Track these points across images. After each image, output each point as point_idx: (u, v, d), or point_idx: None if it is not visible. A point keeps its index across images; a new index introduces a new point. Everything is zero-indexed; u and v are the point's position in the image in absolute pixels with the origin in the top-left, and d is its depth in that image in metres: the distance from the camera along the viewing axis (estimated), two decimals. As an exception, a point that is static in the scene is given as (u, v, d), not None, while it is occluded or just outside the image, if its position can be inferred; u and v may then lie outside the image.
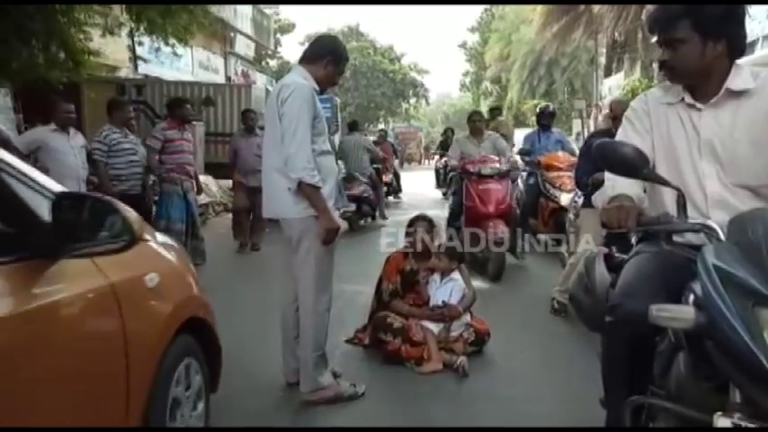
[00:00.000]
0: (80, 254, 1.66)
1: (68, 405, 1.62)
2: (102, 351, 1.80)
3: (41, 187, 1.67)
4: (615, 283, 2.14)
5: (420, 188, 16.59)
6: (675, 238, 1.93)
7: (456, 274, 3.86)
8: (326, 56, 3.10)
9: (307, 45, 3.35)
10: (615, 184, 1.96)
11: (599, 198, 2.10)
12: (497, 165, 6.08)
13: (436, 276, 3.86)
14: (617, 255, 2.41)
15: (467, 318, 3.81)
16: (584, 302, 2.36)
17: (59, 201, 1.62)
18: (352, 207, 8.56)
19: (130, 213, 1.75)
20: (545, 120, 7.26)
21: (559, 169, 6.57)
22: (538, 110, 7.56)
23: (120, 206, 1.75)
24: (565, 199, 6.14)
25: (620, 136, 2.18)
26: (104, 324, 1.81)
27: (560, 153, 6.85)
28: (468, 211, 5.94)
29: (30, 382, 1.48)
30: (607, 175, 2.01)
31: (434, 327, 3.68)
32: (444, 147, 13.46)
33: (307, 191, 2.90)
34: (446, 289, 3.80)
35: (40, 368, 1.52)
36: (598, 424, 2.47)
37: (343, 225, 3.05)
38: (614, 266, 2.28)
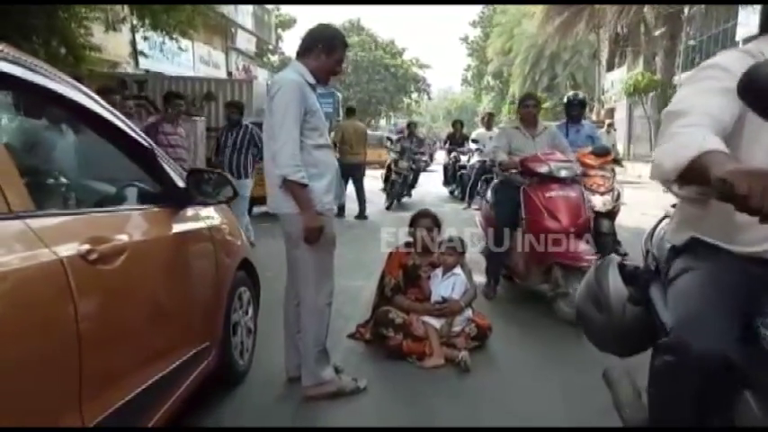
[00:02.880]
0: (205, 203, 2.70)
1: (192, 294, 2.62)
2: (206, 269, 2.76)
3: (176, 166, 2.68)
4: (633, 298, 1.91)
5: (424, 185, 16.54)
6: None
7: (458, 269, 3.86)
8: (317, 45, 3.04)
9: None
10: (706, 135, 1.43)
11: (668, 154, 1.46)
12: (571, 164, 4.68)
13: (438, 271, 3.86)
14: (629, 263, 2.12)
15: (468, 313, 3.81)
16: (594, 319, 2.04)
17: (190, 173, 2.60)
18: None
19: (232, 179, 2.80)
20: (574, 111, 6.15)
21: (591, 167, 5.58)
22: (566, 99, 6.48)
23: (227, 175, 2.86)
24: (598, 202, 5.32)
25: (699, 89, 1.62)
26: (207, 250, 2.79)
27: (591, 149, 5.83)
28: (532, 228, 4.48)
29: (173, 276, 2.46)
30: (676, 124, 1.53)
31: (436, 322, 3.68)
32: (453, 141, 13.17)
33: (291, 187, 2.88)
34: (448, 284, 3.80)
35: (180, 269, 2.52)
36: (598, 421, 2.48)
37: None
38: (629, 276, 2.00)
